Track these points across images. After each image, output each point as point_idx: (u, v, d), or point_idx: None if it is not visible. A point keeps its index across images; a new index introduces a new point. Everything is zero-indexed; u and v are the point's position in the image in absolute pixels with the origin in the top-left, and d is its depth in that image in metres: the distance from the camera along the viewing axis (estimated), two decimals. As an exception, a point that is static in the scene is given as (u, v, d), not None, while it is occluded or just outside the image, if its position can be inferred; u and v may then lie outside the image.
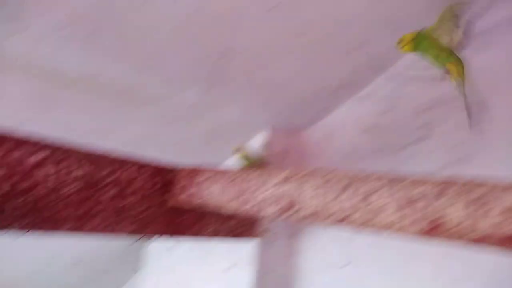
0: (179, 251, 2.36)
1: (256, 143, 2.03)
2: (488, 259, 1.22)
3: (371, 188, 0.99)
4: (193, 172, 1.43)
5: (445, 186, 0.85)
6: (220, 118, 1.81)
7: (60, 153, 1.19)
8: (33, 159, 1.14)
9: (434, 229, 0.85)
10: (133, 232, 1.33)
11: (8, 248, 2.09)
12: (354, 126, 2.03)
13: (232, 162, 1.86)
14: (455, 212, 0.82)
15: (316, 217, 1.05)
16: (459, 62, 1.12)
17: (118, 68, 1.34)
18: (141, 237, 1.36)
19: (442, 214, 0.84)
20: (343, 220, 1.01)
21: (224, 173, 1.33)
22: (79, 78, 1.34)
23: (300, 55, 1.61)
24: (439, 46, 1.11)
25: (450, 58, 1.12)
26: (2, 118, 1.29)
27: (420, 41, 1.13)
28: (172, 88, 1.51)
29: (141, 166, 1.39)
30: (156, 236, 1.40)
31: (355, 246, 1.87)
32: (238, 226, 1.74)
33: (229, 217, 1.69)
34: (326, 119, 2.13)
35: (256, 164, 1.88)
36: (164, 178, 1.47)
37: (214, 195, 1.33)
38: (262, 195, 1.19)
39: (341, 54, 1.68)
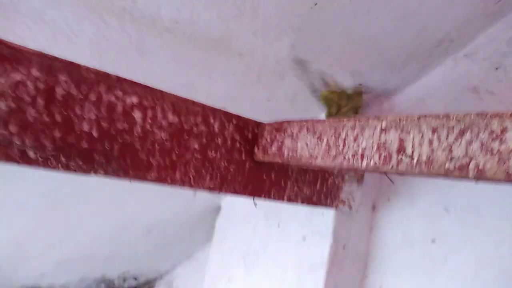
0: (254, 218, 2.31)
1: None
2: None
3: (498, 129, 0.84)
4: (281, 125, 1.35)
5: None
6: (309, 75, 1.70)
7: (150, 99, 1.17)
8: (125, 102, 1.12)
9: None
10: (214, 188, 1.29)
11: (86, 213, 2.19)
12: (456, 86, 1.82)
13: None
14: None
15: (429, 165, 0.92)
16: None
17: (209, 16, 1.29)
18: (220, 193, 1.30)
19: None
20: (464, 167, 0.86)
21: (314, 122, 1.23)
22: (170, 27, 1.31)
23: (397, 9, 1.44)
24: None
25: None
26: (93, 61, 1.29)
27: None
28: (264, 39, 1.43)
29: (229, 119, 1.34)
30: (234, 194, 1.34)
31: (442, 222, 1.68)
32: (320, 191, 1.64)
33: (312, 180, 1.59)
34: (421, 81, 1.92)
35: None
36: (251, 131, 1.41)
37: (305, 147, 1.24)
38: (362, 144, 1.08)
39: (443, 6, 1.48)
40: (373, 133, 1.05)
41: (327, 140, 1.17)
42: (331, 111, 1.67)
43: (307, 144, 1.23)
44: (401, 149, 0.99)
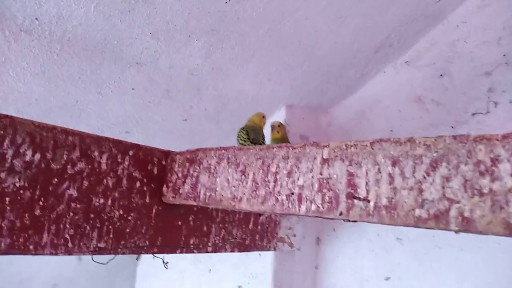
0: (181, 263, 1.95)
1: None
2: None
3: (486, 159, 0.60)
4: (195, 155, 1.04)
5: None
6: (228, 90, 1.41)
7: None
8: None
9: None
10: (106, 248, 0.94)
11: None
12: (398, 97, 1.63)
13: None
14: None
15: (392, 212, 0.65)
16: None
17: (85, 12, 0.94)
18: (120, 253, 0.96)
19: None
20: (442, 215, 0.61)
21: (237, 151, 0.94)
22: (27, 26, 0.95)
23: (331, 8, 1.21)
24: None
25: None
26: None
27: None
28: (167, 43, 1.11)
29: (123, 150, 1.00)
30: (138, 252, 1.00)
31: (396, 255, 1.46)
32: (254, 231, 1.34)
33: (243, 218, 1.30)
34: (360, 91, 1.72)
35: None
36: (156, 164, 1.09)
37: (225, 185, 0.94)
38: (299, 181, 0.80)
39: (381, 5, 1.28)
40: (312, 166, 0.78)
41: (254, 175, 0.88)
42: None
43: (228, 181, 0.93)
44: (351, 189, 0.72)
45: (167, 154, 1.12)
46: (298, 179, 0.81)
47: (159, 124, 1.40)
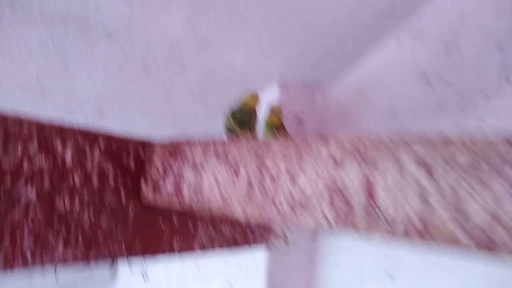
0: (161, 271, 1.81)
1: (262, 103, 1.47)
2: None
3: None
4: (178, 148, 0.88)
5: None
6: (214, 65, 1.24)
7: None
8: None
9: None
10: (75, 258, 0.80)
11: None
12: (401, 74, 1.48)
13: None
14: None
15: (424, 231, 0.53)
16: None
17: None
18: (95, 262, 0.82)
19: None
20: (493, 242, 0.49)
21: (227, 145, 0.79)
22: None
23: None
24: None
25: None
26: None
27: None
28: (142, 10, 0.93)
29: (91, 140, 0.84)
30: (120, 259, 0.86)
31: (398, 252, 1.36)
32: (246, 228, 1.22)
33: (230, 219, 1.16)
34: (359, 67, 1.56)
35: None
36: (133, 157, 0.93)
37: (214, 185, 0.79)
38: (303, 185, 0.66)
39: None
40: (319, 165, 0.64)
41: (248, 175, 0.74)
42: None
43: (217, 181, 0.79)
44: (369, 197, 0.58)
45: (146, 144, 0.96)
46: (303, 184, 0.67)
47: (137, 105, 1.24)
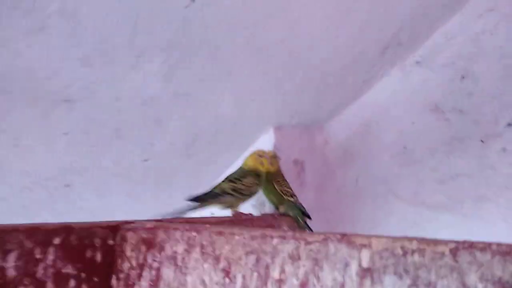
0: None
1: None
2: None
3: None
4: (154, 235, 0.70)
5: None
6: (199, 118, 1.08)
7: None
8: None
9: None
10: None
11: None
12: (410, 105, 1.32)
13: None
14: None
15: None
16: None
17: None
18: None
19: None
20: None
21: (213, 235, 0.61)
22: None
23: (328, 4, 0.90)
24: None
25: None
26: None
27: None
28: (106, 70, 0.77)
29: (44, 240, 0.66)
30: None
31: None
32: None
33: None
34: (362, 100, 1.40)
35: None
36: (99, 247, 0.74)
37: (201, 289, 0.61)
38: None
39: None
40: (344, 278, 0.45)
41: (244, 280, 0.55)
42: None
43: (204, 284, 0.60)
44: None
45: (115, 229, 0.78)
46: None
47: (110, 169, 1.06)
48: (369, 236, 0.46)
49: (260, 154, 1.13)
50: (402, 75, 1.34)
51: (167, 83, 0.93)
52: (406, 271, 0.42)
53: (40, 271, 0.67)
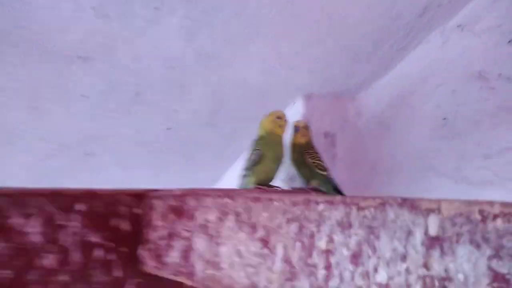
0: None
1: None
2: None
3: None
4: (183, 202, 0.66)
5: None
6: (224, 83, 1.02)
7: None
8: None
9: None
10: None
11: None
12: (450, 73, 1.23)
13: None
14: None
15: None
16: None
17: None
18: None
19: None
20: None
21: (250, 201, 0.56)
22: None
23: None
24: None
25: None
26: None
27: None
28: (122, 23, 0.71)
29: (67, 206, 0.62)
30: None
31: None
32: None
33: None
34: (396, 70, 1.32)
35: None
36: (124, 218, 0.70)
37: (236, 260, 0.56)
38: (380, 276, 0.42)
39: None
40: (406, 248, 0.40)
41: (285, 250, 0.50)
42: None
43: (240, 254, 0.56)
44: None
45: (141, 197, 0.74)
46: (375, 270, 0.43)
47: (132, 138, 1.02)
48: (438, 200, 0.40)
49: (278, 116, 1.04)
50: (441, 41, 1.25)
51: (189, 42, 0.87)
52: (486, 240, 0.36)
53: (64, 238, 0.63)
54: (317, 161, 1.10)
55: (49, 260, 0.62)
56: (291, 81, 1.17)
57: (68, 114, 0.84)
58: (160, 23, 0.76)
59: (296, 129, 1.10)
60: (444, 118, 1.24)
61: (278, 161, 1.02)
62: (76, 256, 0.65)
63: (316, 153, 1.13)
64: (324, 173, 1.10)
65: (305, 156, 1.10)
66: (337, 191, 1.11)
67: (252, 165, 0.99)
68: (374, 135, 1.35)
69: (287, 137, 1.11)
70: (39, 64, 0.72)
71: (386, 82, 1.35)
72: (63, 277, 0.63)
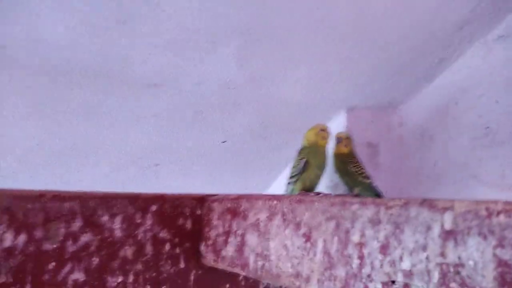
0: None
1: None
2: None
3: None
4: (237, 204, 0.76)
5: None
6: (273, 100, 1.12)
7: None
8: None
9: None
10: None
11: None
12: (493, 83, 1.25)
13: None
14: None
15: None
16: None
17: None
18: None
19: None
20: None
21: (293, 203, 0.65)
22: None
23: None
24: None
25: None
26: None
27: None
28: (187, 55, 0.84)
29: (143, 205, 0.75)
30: None
31: None
32: None
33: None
34: (438, 81, 1.35)
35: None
36: (189, 215, 0.82)
37: (283, 253, 0.65)
38: (402, 262, 0.49)
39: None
40: (426, 240, 0.47)
41: (325, 244, 0.58)
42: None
43: (286, 248, 0.65)
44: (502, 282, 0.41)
45: (202, 200, 0.85)
46: (401, 259, 0.50)
47: (194, 150, 1.15)
48: (451, 200, 0.47)
49: (322, 128, 1.13)
50: (483, 52, 1.27)
51: (242, 67, 0.99)
52: (491, 232, 0.43)
53: (140, 234, 0.76)
54: (359, 169, 1.17)
55: (127, 252, 0.74)
56: (335, 96, 1.25)
57: (141, 131, 0.99)
58: (217, 53, 0.88)
59: (339, 140, 1.17)
60: (487, 127, 1.26)
61: (321, 169, 1.10)
62: (149, 249, 0.77)
63: (358, 162, 1.20)
64: (367, 181, 1.16)
65: (348, 165, 1.17)
66: (379, 197, 1.17)
67: (298, 173, 1.08)
68: (416, 145, 1.39)
69: (331, 147, 1.19)
70: (122, 91, 0.86)
71: (428, 93, 1.39)
72: (138, 267, 0.75)
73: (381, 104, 1.35)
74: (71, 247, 0.67)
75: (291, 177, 1.13)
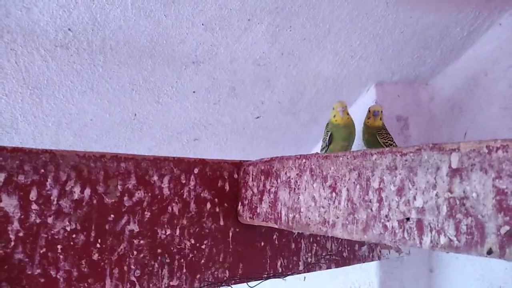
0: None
1: (359, 107, 1.37)
2: None
3: None
4: (271, 166, 0.85)
5: None
6: (302, 76, 1.19)
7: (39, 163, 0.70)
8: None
9: None
10: (180, 286, 0.81)
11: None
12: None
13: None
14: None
15: None
16: None
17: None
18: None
19: None
20: None
21: (321, 160, 0.73)
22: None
23: None
24: None
25: None
26: None
27: None
28: (224, 33, 0.93)
29: (186, 168, 0.86)
30: (221, 285, 0.86)
31: None
32: (350, 243, 1.12)
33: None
34: (468, 54, 1.37)
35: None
36: (227, 179, 0.93)
37: (311, 205, 0.74)
38: (416, 201, 0.56)
39: None
40: (435, 179, 0.54)
41: (348, 193, 0.66)
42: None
43: (314, 200, 0.73)
44: (504, 215, 0.48)
45: (238, 165, 0.95)
46: (414, 198, 0.58)
47: (229, 125, 1.24)
48: (458, 142, 0.53)
49: (334, 107, 1.16)
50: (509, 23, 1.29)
51: (274, 44, 1.06)
52: (491, 166, 0.49)
53: (185, 193, 0.86)
54: (389, 141, 1.22)
55: (174, 208, 0.85)
56: (362, 71, 1.31)
57: (182, 107, 1.09)
58: (251, 31, 0.96)
59: (375, 113, 1.23)
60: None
61: (347, 140, 1.16)
62: (192, 207, 0.87)
63: (388, 134, 1.25)
64: None
65: (377, 136, 1.23)
66: None
67: (326, 145, 1.16)
68: (447, 117, 1.42)
69: (361, 120, 1.25)
70: (164, 69, 0.96)
71: (458, 66, 1.41)
72: (183, 222, 0.86)
73: (409, 79, 1.39)
74: (127, 202, 0.78)
75: (322, 149, 1.20)
